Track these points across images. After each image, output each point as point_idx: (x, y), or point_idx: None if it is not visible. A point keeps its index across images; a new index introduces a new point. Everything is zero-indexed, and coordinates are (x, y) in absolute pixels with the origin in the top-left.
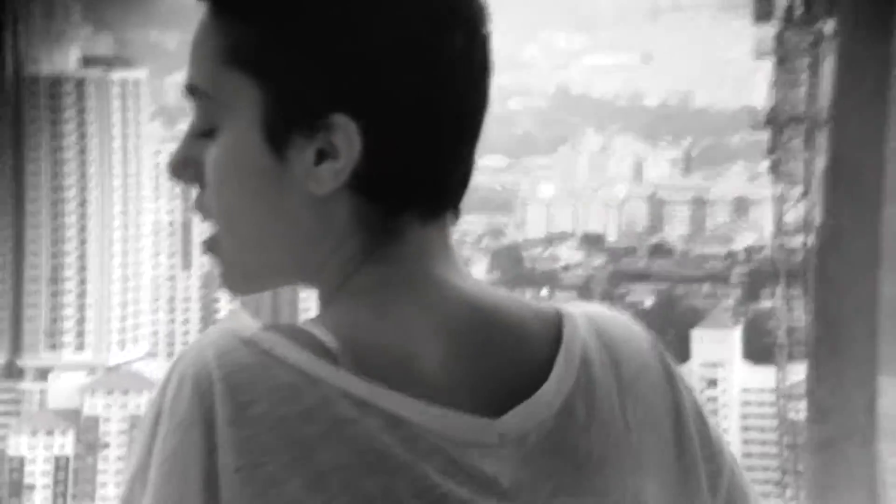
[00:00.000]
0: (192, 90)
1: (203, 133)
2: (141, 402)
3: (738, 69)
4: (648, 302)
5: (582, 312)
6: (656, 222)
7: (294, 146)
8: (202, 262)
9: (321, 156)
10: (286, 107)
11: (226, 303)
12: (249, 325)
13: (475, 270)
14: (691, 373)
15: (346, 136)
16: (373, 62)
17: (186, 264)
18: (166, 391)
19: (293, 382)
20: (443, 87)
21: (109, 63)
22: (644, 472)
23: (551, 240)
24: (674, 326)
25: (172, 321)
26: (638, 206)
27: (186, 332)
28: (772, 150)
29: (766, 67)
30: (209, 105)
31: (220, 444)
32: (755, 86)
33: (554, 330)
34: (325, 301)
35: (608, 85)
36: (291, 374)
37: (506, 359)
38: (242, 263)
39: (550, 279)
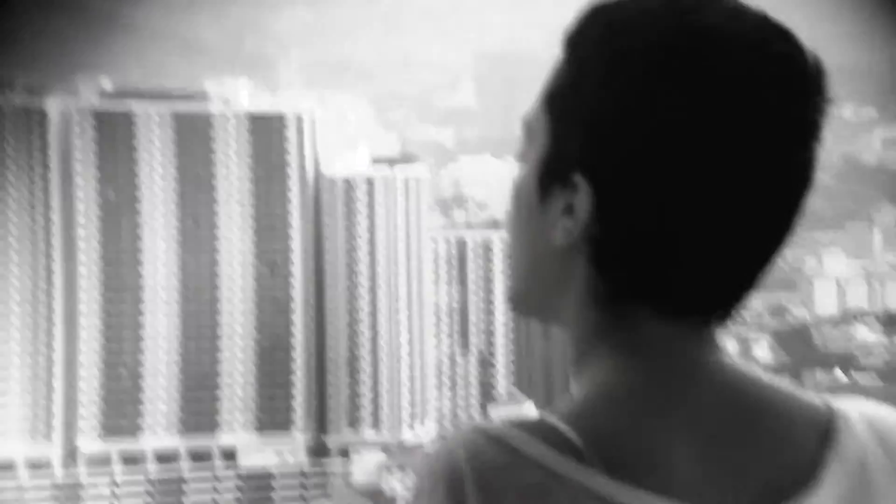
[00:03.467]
0: (524, 122)
1: (521, 160)
2: None
3: None
4: None
5: (860, 413)
6: None
7: (553, 194)
8: (478, 343)
9: (568, 210)
10: (558, 154)
11: (502, 383)
12: (494, 422)
13: (756, 350)
14: None
15: (582, 197)
16: (620, 128)
17: (465, 346)
18: (423, 489)
19: (540, 482)
20: (712, 172)
21: (394, 161)
22: None
23: (846, 318)
24: None
25: (454, 400)
26: None
27: (467, 412)
28: None
29: None
30: (527, 137)
31: None
32: None
33: (823, 428)
34: (576, 367)
35: None
36: (538, 474)
37: (766, 459)
38: (515, 283)
39: (845, 360)
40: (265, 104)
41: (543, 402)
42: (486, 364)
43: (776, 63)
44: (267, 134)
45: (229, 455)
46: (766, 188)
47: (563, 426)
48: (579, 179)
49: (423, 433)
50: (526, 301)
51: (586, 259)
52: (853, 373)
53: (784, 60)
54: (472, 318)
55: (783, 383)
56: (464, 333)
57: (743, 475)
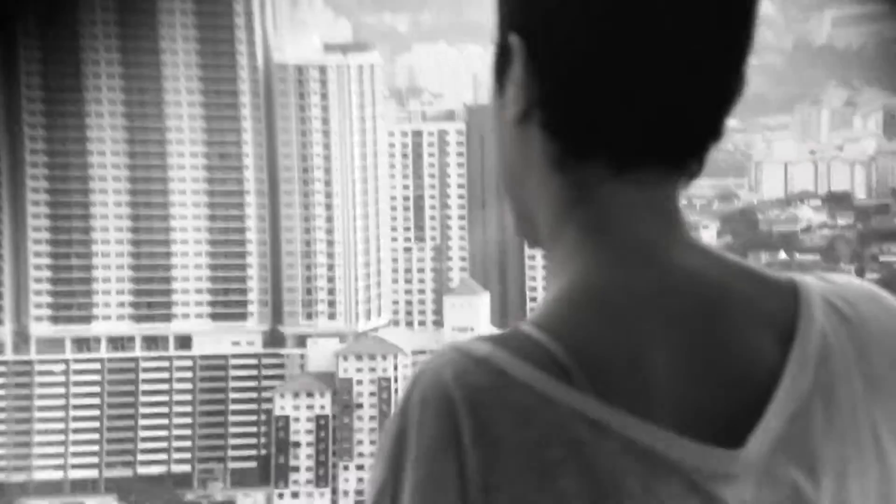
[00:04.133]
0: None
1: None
2: (387, 366)
3: None
4: None
5: (821, 291)
6: None
7: (503, 77)
8: (433, 235)
9: (514, 81)
10: (500, 30)
11: (457, 273)
12: (477, 341)
13: (705, 236)
14: None
15: (517, 58)
16: None
17: (420, 237)
18: (408, 412)
19: (529, 405)
20: (642, 10)
21: (347, 49)
22: (892, 479)
23: (790, 201)
24: None
25: (409, 291)
26: (890, 162)
27: (422, 302)
28: None
29: None
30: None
31: (468, 463)
32: None
33: (791, 312)
34: (549, 260)
35: (854, 36)
36: (527, 396)
37: (738, 357)
38: (509, 201)
39: (789, 242)
40: None
41: (498, 291)
42: (441, 254)
43: None
44: (214, 17)
45: (185, 343)
46: (709, 21)
47: (546, 340)
48: (513, 40)
49: (379, 323)
50: (511, 198)
51: (538, 125)
52: (796, 254)
53: None
54: (427, 209)
55: (748, 264)
56: (419, 225)
57: (715, 379)
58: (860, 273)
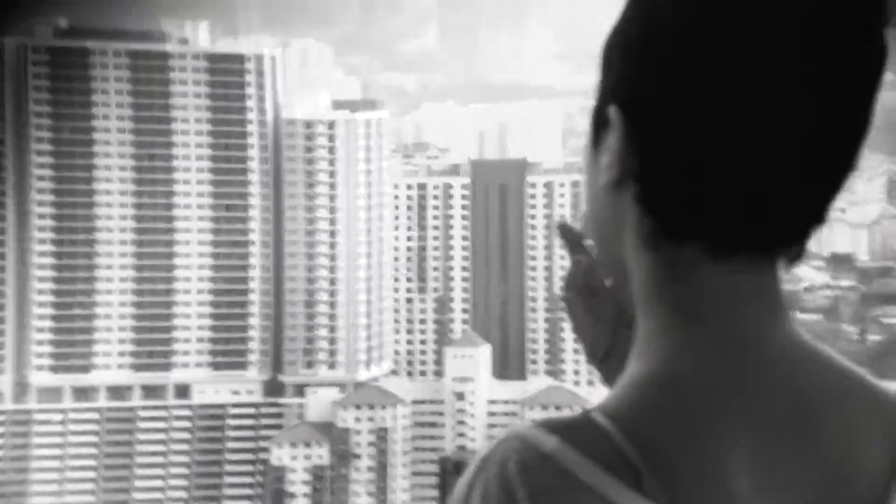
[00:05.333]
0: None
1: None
2: (386, 416)
3: None
4: None
5: None
6: None
7: (601, 140)
8: (436, 287)
9: (609, 148)
10: (600, 97)
11: (458, 324)
12: (544, 431)
13: None
14: None
15: (616, 129)
16: (652, 51)
17: (422, 288)
18: (471, 499)
19: None
20: (755, 92)
21: (356, 106)
22: None
23: None
24: None
25: (411, 342)
26: (893, 226)
27: (423, 352)
28: None
29: None
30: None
31: None
32: None
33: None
34: (637, 333)
35: None
36: (592, 501)
37: (837, 473)
38: (599, 256)
39: (792, 301)
40: (225, 47)
41: (499, 343)
42: (443, 306)
43: None
44: (225, 74)
45: (183, 392)
46: (821, 108)
47: (617, 435)
48: (613, 111)
49: (379, 373)
50: (601, 256)
51: (633, 199)
52: (799, 314)
53: None
54: (431, 261)
55: (854, 367)
56: (422, 276)
57: (808, 495)
58: (862, 334)
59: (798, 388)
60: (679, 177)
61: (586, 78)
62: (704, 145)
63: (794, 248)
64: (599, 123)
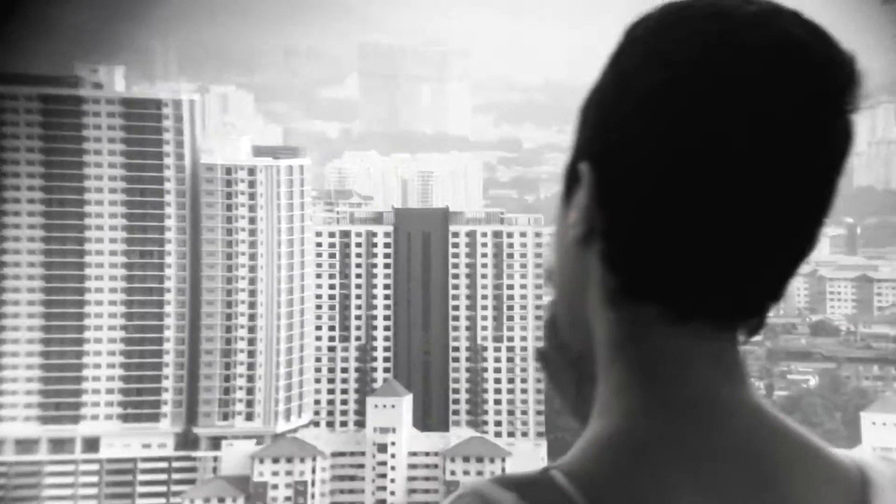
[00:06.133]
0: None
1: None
2: (305, 469)
3: None
4: (812, 382)
5: (892, 478)
6: (817, 300)
7: (571, 196)
8: (358, 335)
9: (578, 205)
10: (574, 153)
11: (381, 374)
12: (501, 487)
13: None
14: None
15: (585, 186)
16: (627, 115)
17: (345, 337)
18: None
19: None
20: (720, 165)
21: (277, 152)
22: None
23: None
24: (840, 409)
25: (332, 391)
26: (797, 284)
27: (345, 402)
28: None
29: None
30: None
31: None
32: None
33: (855, 498)
34: (598, 392)
35: None
36: None
37: None
38: (559, 314)
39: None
40: (141, 92)
41: (421, 392)
42: (365, 354)
43: (803, 67)
44: (141, 119)
45: (92, 445)
46: (786, 188)
47: (574, 494)
48: (584, 167)
49: (299, 423)
50: (557, 314)
51: (598, 256)
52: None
53: (811, 68)
54: (354, 309)
55: (810, 436)
56: (344, 325)
57: None
58: (769, 389)
59: (753, 452)
60: (641, 237)
61: (503, 130)
62: (667, 209)
63: (751, 320)
64: (571, 180)
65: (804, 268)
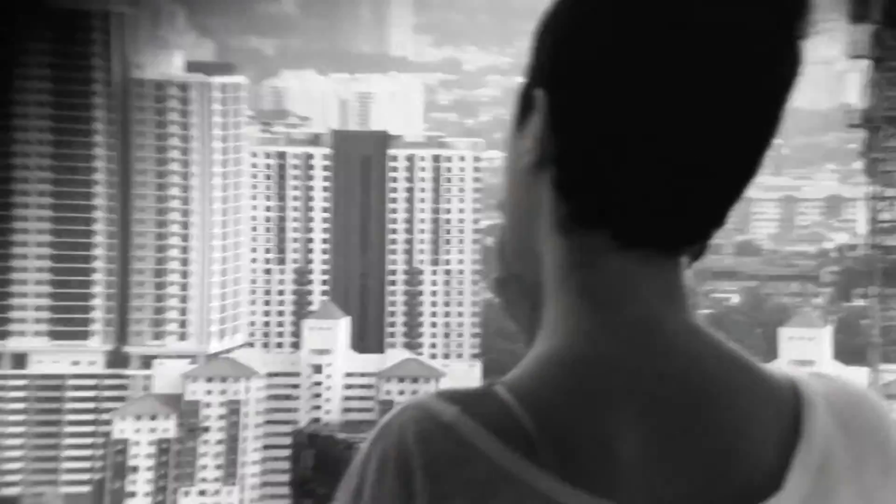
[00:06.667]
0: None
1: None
2: (239, 389)
3: (830, 69)
4: (735, 300)
5: (824, 394)
6: (743, 220)
7: (522, 124)
8: (295, 258)
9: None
10: (529, 79)
11: (317, 297)
12: (444, 401)
13: None
14: None
15: (539, 112)
16: (581, 39)
17: (281, 260)
18: (367, 470)
19: (490, 479)
20: (675, 93)
21: (211, 69)
22: None
23: None
24: (761, 325)
25: (268, 313)
26: None
27: (280, 324)
28: (867, 149)
29: (861, 68)
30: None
31: None
32: (848, 86)
33: (788, 421)
34: (543, 316)
35: None
36: (488, 470)
37: (728, 455)
38: (506, 243)
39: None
40: (69, 4)
41: (358, 315)
42: (302, 277)
43: None
44: (69, 32)
45: (19, 361)
46: (734, 113)
47: (517, 408)
48: (538, 93)
49: (233, 344)
50: (507, 242)
51: (550, 183)
52: None
53: None
54: (290, 232)
55: (747, 357)
56: (280, 247)
57: (696, 473)
58: (694, 308)
59: (692, 371)
60: (593, 164)
61: (445, 52)
62: (620, 136)
63: (696, 245)
64: (524, 106)
65: None
